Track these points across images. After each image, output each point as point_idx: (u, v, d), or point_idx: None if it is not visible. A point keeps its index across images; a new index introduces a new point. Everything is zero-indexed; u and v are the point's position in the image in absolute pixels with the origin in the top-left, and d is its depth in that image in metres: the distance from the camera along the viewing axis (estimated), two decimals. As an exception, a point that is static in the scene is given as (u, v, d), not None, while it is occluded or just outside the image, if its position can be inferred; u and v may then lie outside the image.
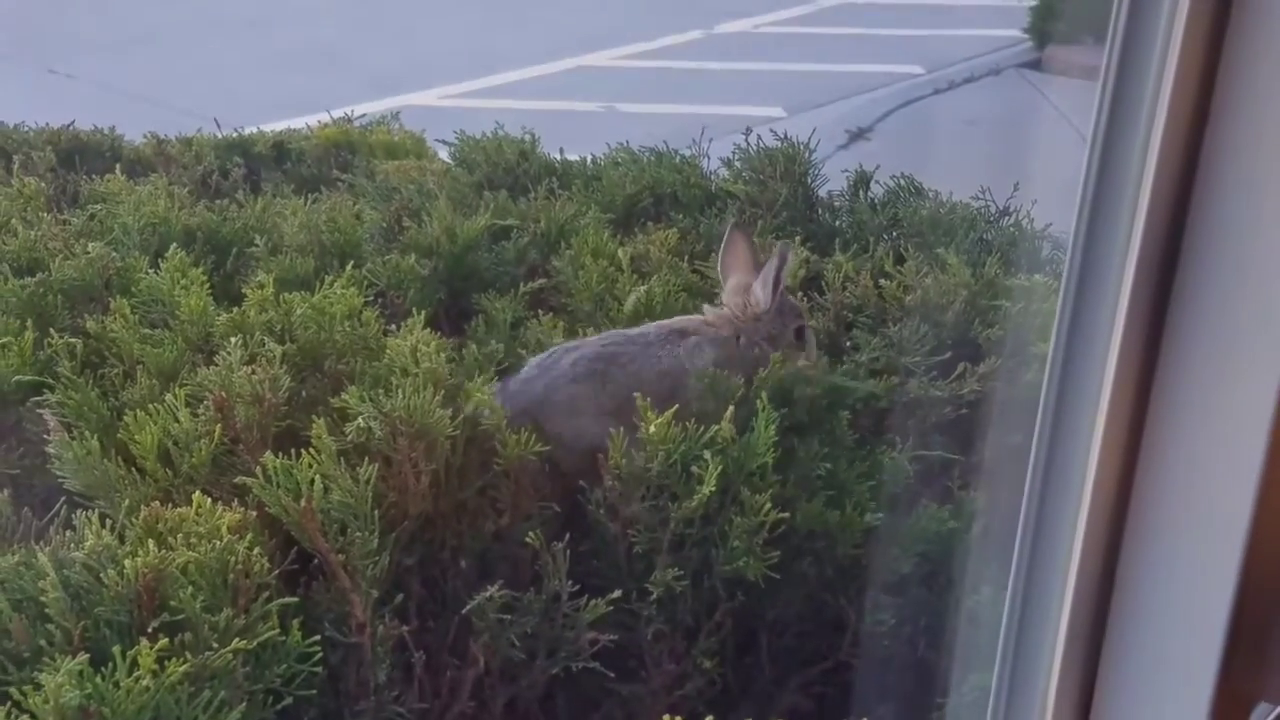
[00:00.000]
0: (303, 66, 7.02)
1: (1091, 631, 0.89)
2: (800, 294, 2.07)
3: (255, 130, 2.77)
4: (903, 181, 2.48)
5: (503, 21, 8.05)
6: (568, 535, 1.53)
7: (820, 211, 2.39)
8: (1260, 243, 0.78)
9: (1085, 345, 0.85)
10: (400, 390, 1.44)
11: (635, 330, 1.79)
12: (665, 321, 1.82)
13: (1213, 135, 0.80)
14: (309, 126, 2.73)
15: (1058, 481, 0.89)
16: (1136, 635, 0.89)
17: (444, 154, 2.65)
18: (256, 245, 1.84)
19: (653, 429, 1.53)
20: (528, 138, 2.56)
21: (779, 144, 2.45)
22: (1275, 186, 0.77)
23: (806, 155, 2.44)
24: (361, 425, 1.36)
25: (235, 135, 2.61)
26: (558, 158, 2.56)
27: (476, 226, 1.94)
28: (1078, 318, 0.85)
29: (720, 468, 1.52)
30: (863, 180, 2.48)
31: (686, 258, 2.10)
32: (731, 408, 1.60)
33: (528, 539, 1.47)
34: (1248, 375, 0.80)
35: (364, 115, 2.88)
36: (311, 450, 1.32)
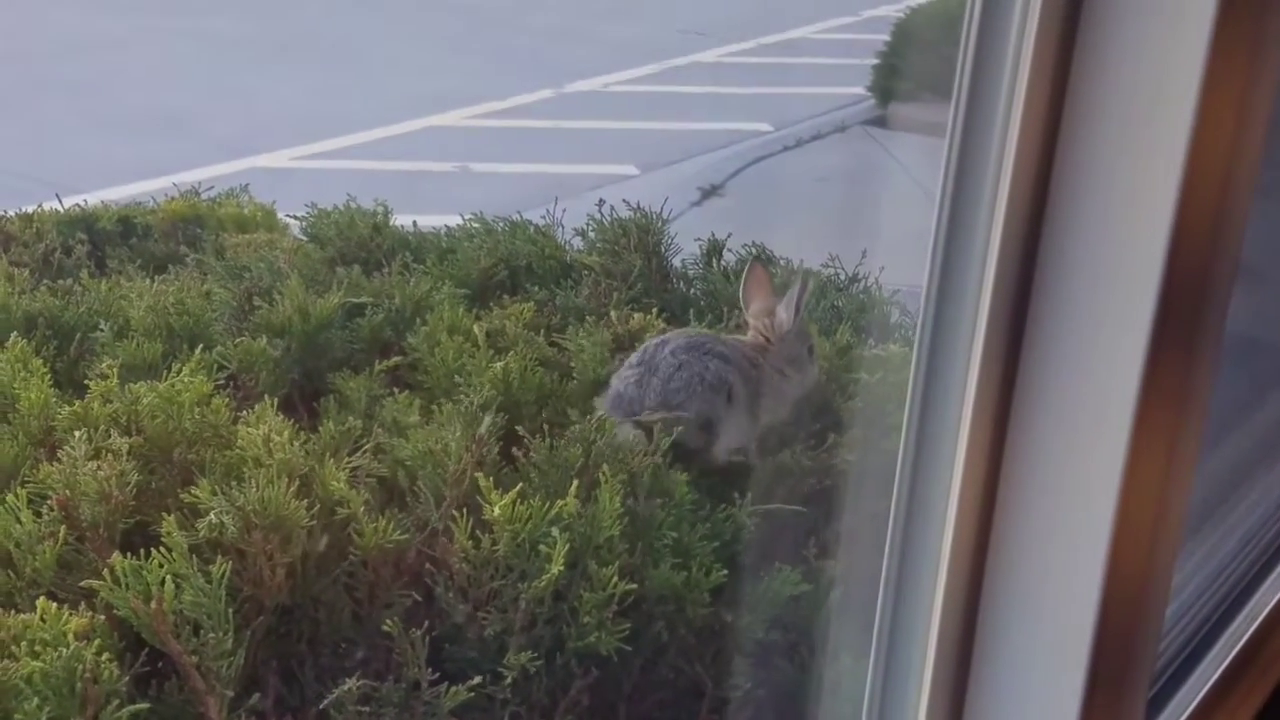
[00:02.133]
0: (145, 130, 6.86)
1: (954, 689, 0.90)
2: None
3: (100, 203, 2.71)
4: (754, 249, 2.52)
5: (351, 82, 8.00)
6: (426, 623, 1.53)
7: (675, 281, 2.42)
8: (1107, 292, 0.79)
9: (940, 397, 0.86)
10: (254, 481, 1.42)
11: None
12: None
13: (1057, 188, 0.81)
14: (155, 200, 2.68)
15: (917, 540, 0.89)
16: (997, 694, 0.90)
17: (297, 226, 2.62)
18: (101, 330, 1.79)
19: (497, 510, 1.54)
20: (380, 209, 2.54)
21: (632, 213, 2.48)
22: (1120, 237, 0.79)
23: (660, 225, 2.47)
24: (213, 521, 1.33)
25: (79, 210, 2.54)
26: (412, 230, 2.55)
27: (329, 305, 1.93)
28: (932, 374, 0.86)
29: (567, 544, 1.53)
30: (715, 249, 2.52)
31: (543, 331, 2.11)
32: (576, 482, 1.62)
33: (385, 626, 1.45)
34: (1098, 434, 0.82)
35: (211, 185, 2.83)
36: (162, 549, 1.29)
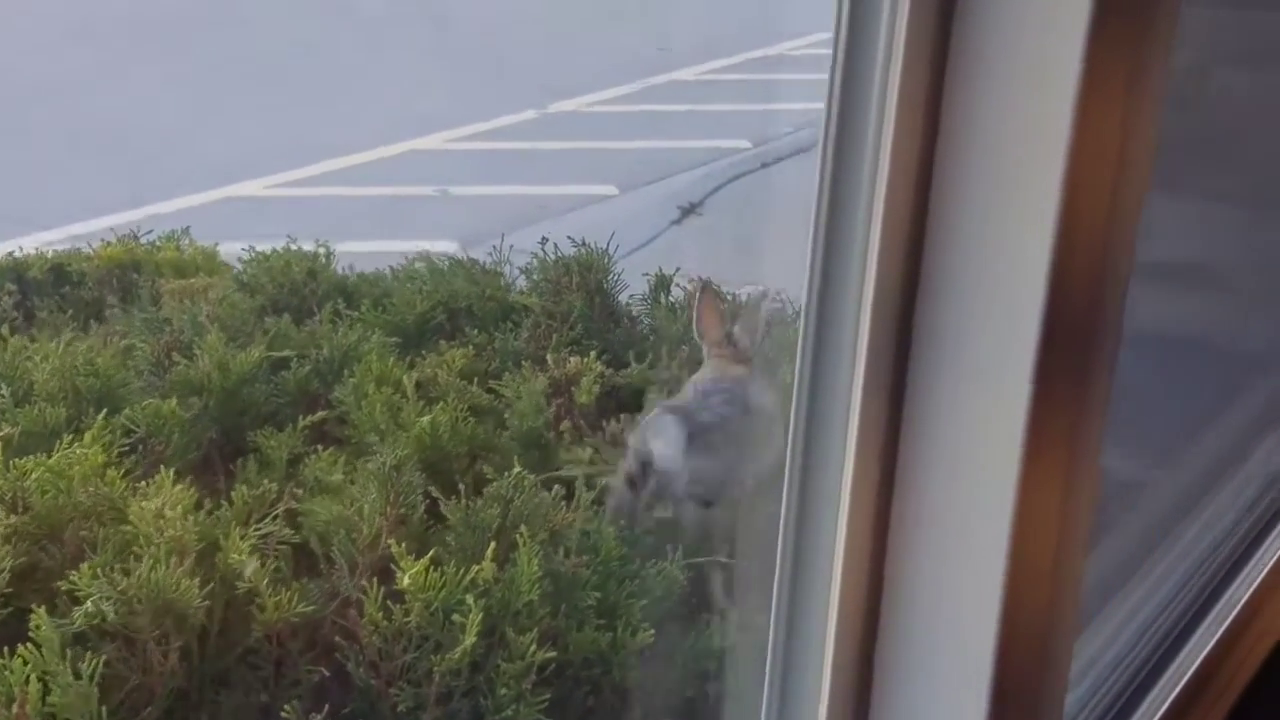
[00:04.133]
0: (118, 162, 6.82)
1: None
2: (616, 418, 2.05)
3: (35, 250, 2.64)
4: (701, 281, 2.46)
5: (330, 106, 7.95)
6: (335, 700, 1.46)
7: (619, 320, 2.36)
8: (989, 298, 0.77)
9: (824, 434, 0.83)
10: (145, 560, 1.35)
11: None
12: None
13: (934, 224, 0.79)
14: (90, 246, 2.61)
15: (804, 590, 0.88)
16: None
17: (241, 267, 2.55)
18: (2, 395, 1.72)
19: (407, 580, 1.47)
20: (321, 251, 2.48)
21: (576, 250, 2.41)
22: (999, 269, 0.77)
23: (606, 260, 2.41)
24: (90, 610, 1.26)
25: (9, 259, 2.48)
26: (351, 273, 2.49)
27: (250, 359, 1.86)
28: (814, 415, 0.83)
29: (482, 612, 1.46)
30: (663, 284, 2.45)
31: (477, 379, 2.05)
32: (493, 544, 1.55)
33: (284, 712, 1.38)
34: (988, 464, 0.79)
35: (161, 229, 2.76)
36: (29, 645, 1.22)
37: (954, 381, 0.80)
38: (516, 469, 1.60)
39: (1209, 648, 1.55)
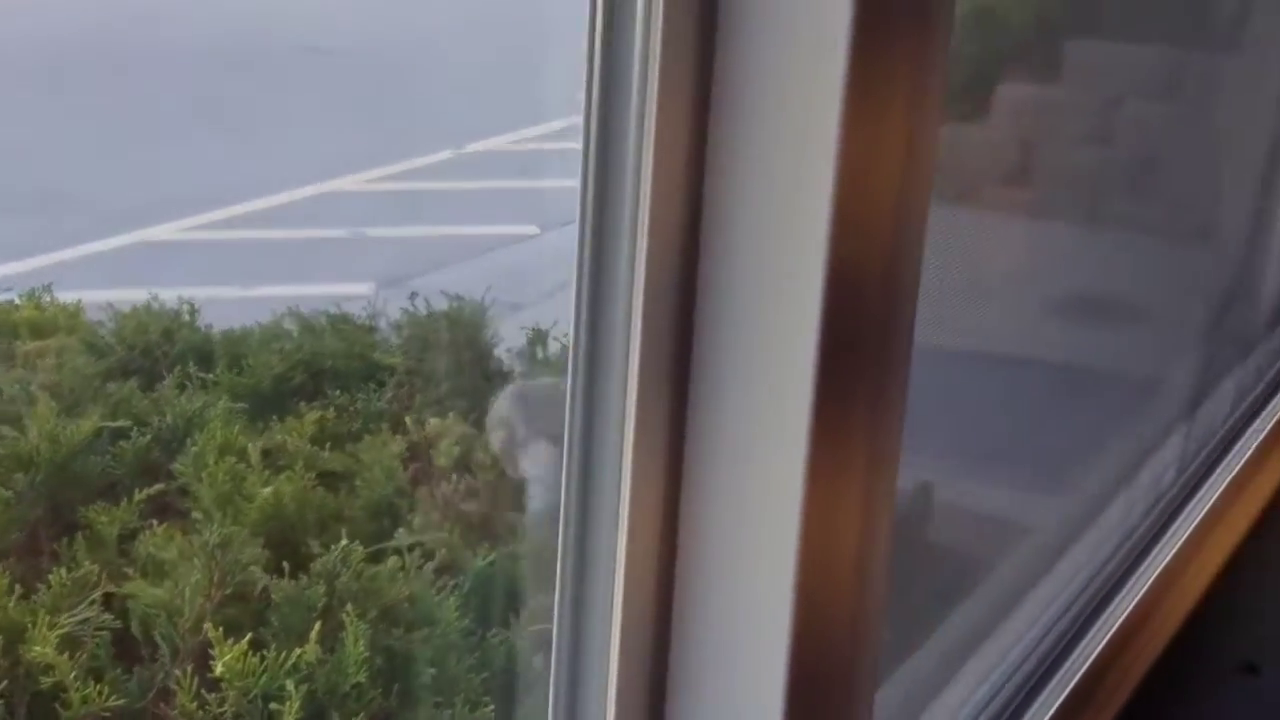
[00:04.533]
0: (18, 207, 6.69)
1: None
2: (454, 477, 1.98)
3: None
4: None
5: (244, 148, 7.86)
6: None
7: (494, 378, 2.29)
8: (767, 305, 0.77)
9: (599, 468, 0.82)
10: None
11: None
12: None
13: (710, 210, 0.78)
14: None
15: (588, 596, 0.85)
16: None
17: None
18: None
19: (221, 666, 1.40)
20: (186, 308, 2.40)
21: (450, 303, 2.35)
22: (774, 258, 0.76)
23: (483, 314, 2.35)
24: None
25: None
26: (219, 331, 2.41)
27: (83, 430, 1.78)
28: (591, 410, 0.81)
29: (304, 698, 1.38)
30: (539, 338, 2.39)
31: (330, 443, 1.97)
32: (319, 624, 1.48)
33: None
34: (773, 456, 0.78)
35: (64, 278, 2.66)
36: None
37: (736, 388, 0.79)
38: (343, 543, 1.53)
39: (1095, 655, 1.55)
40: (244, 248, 6.58)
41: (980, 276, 1.96)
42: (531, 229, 6.91)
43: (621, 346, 0.80)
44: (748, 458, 0.80)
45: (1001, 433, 2.05)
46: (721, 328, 0.80)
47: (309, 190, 7.38)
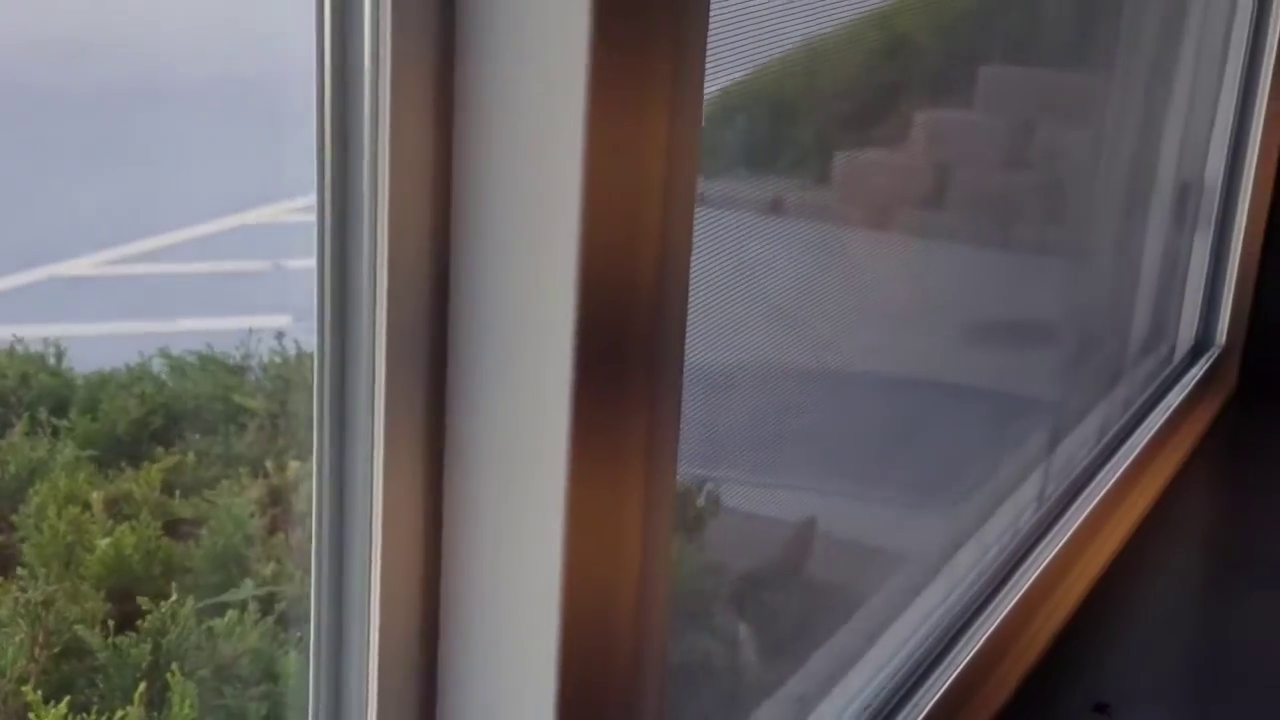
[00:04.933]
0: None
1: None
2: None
3: None
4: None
5: (160, 181, 7.75)
6: None
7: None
8: (521, 312, 0.76)
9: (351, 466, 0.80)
10: None
11: None
12: None
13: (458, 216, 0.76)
14: None
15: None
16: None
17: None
18: None
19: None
20: (52, 351, 2.35)
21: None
22: (526, 267, 0.75)
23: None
24: None
25: None
26: (82, 375, 2.35)
27: (-89, 484, 1.73)
28: (340, 431, 0.79)
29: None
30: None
31: (181, 491, 1.93)
32: (143, 685, 1.44)
33: None
34: (534, 462, 0.77)
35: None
36: None
37: (494, 402, 0.78)
38: (172, 598, 1.49)
39: (943, 694, 1.56)
40: (162, 281, 6.50)
41: (879, 300, 1.95)
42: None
43: (368, 374, 0.78)
44: (508, 472, 0.79)
45: (870, 460, 2.04)
46: (476, 349, 0.78)
47: (226, 222, 7.33)
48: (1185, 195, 2.52)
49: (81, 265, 6.56)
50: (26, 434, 1.96)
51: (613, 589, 0.85)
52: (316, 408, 0.81)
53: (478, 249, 0.79)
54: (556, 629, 0.81)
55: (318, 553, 0.83)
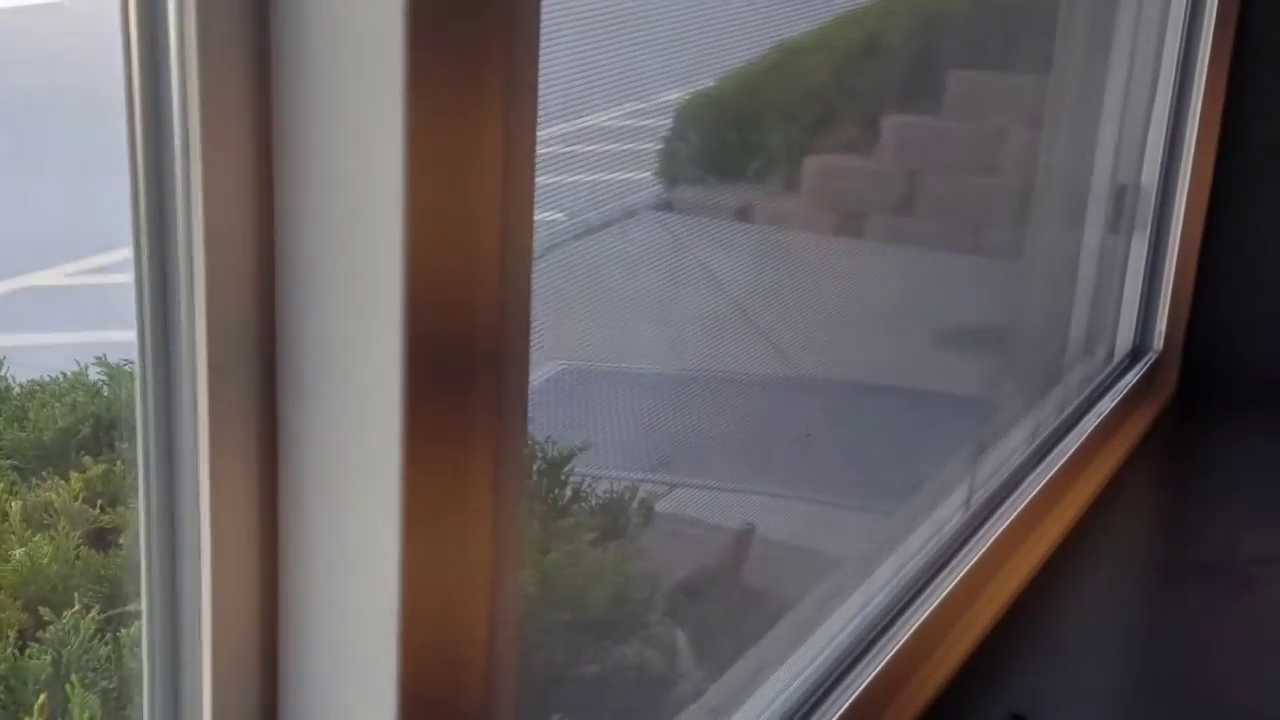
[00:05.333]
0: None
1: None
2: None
3: None
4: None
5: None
6: None
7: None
8: (346, 317, 0.75)
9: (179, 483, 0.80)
10: None
11: None
12: None
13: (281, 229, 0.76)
14: None
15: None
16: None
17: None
18: None
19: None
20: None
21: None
22: (350, 277, 0.75)
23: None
24: None
25: None
26: (20, 385, 2.35)
27: None
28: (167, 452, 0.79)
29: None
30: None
31: (104, 501, 1.93)
32: (43, 696, 1.44)
33: None
34: (368, 473, 0.77)
35: None
36: None
37: (325, 419, 0.77)
38: (75, 607, 1.49)
39: (857, 701, 1.57)
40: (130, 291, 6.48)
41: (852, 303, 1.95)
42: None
43: (190, 391, 0.78)
44: (343, 486, 0.79)
45: (799, 461, 2.04)
46: (305, 365, 0.78)
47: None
48: (1122, 198, 2.53)
49: (53, 275, 6.56)
50: (-51, 445, 1.96)
51: (458, 599, 0.85)
52: (140, 431, 0.81)
53: (302, 262, 0.79)
54: (395, 642, 0.81)
55: (148, 578, 0.83)
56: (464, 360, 0.82)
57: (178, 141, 0.75)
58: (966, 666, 1.79)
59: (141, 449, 0.79)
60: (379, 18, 0.72)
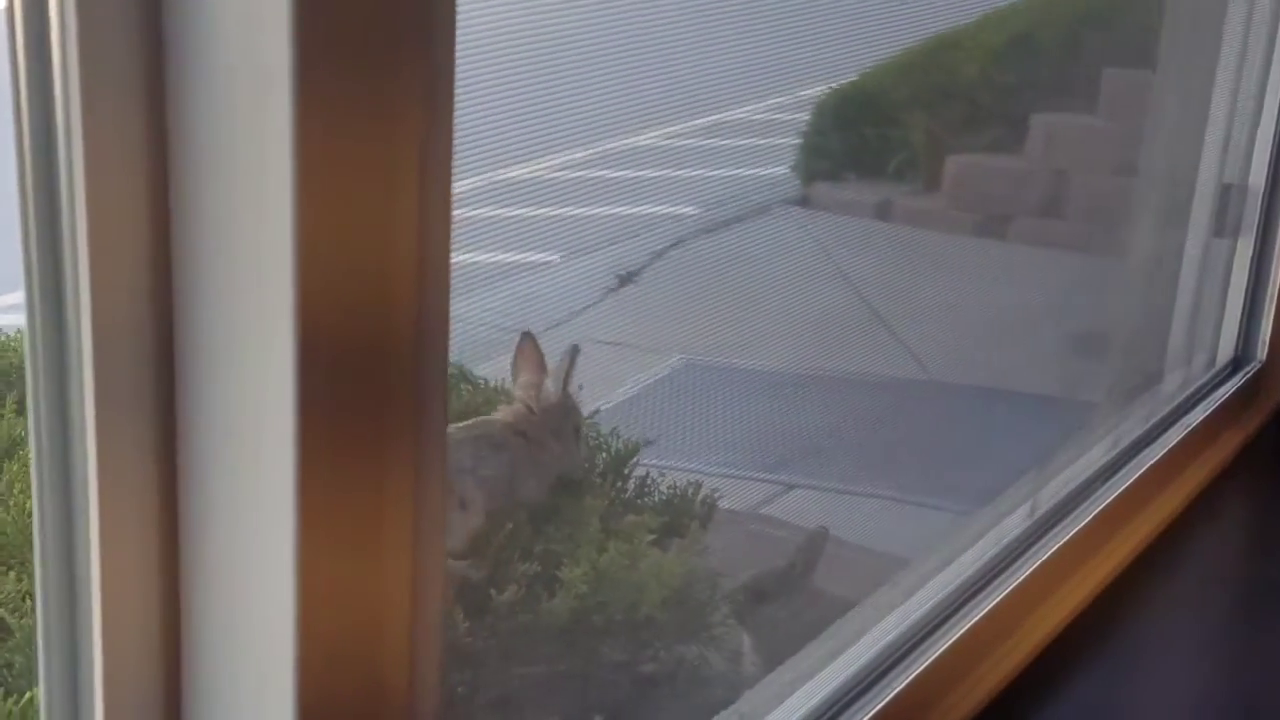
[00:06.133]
0: None
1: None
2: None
3: None
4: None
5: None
6: None
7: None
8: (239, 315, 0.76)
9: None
10: None
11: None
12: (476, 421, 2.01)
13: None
14: None
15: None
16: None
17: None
18: None
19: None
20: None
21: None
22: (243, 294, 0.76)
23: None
24: None
25: None
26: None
27: None
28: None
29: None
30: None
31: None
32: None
33: None
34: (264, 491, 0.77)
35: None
36: None
37: (221, 423, 0.79)
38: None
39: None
40: None
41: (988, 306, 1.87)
42: (552, 256, 6.88)
43: (77, 385, 0.75)
44: (239, 494, 0.81)
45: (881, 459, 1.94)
46: (201, 367, 0.80)
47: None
48: (1227, 198, 2.35)
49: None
50: None
51: (366, 614, 0.80)
52: (32, 429, 0.78)
53: (196, 264, 0.76)
54: (292, 656, 0.76)
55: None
56: (370, 369, 0.81)
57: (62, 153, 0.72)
58: (1023, 675, 1.67)
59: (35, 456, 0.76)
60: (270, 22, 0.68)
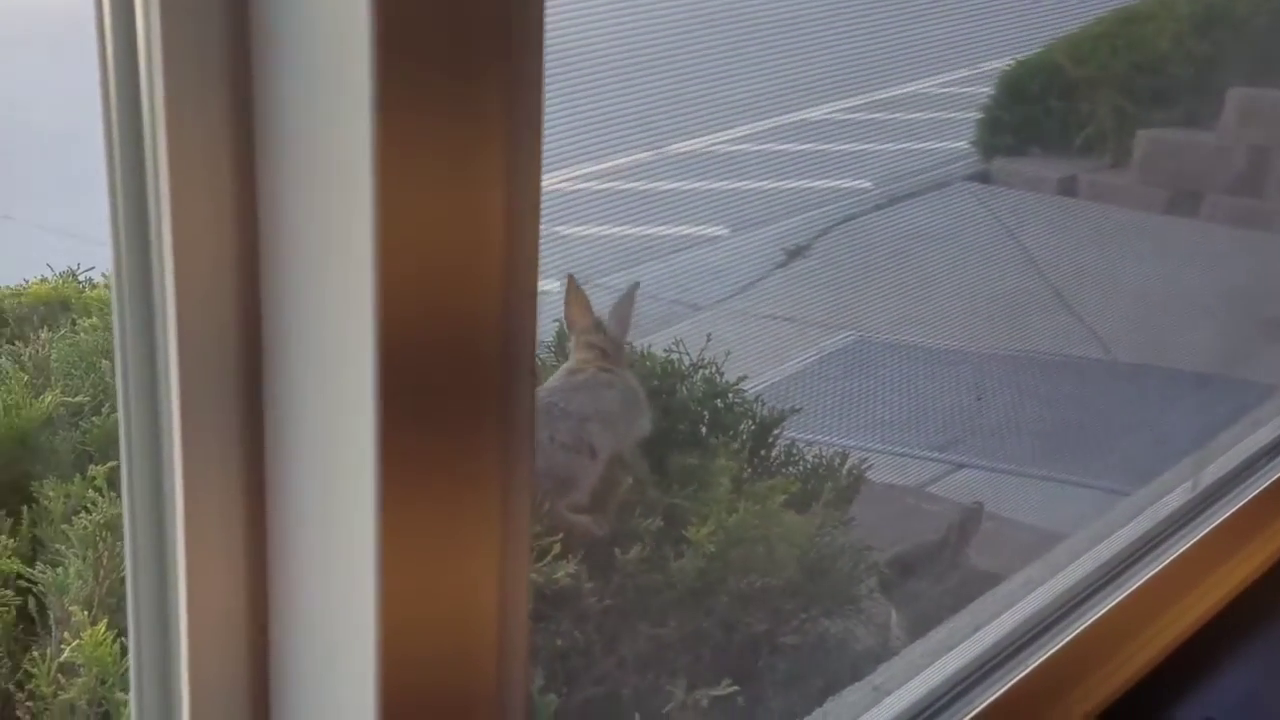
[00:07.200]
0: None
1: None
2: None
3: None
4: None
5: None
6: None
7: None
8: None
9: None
10: None
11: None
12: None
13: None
14: (25, 280, 2.59)
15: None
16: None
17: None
18: None
19: (73, 647, 1.34)
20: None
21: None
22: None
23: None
24: None
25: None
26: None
27: (43, 405, 1.77)
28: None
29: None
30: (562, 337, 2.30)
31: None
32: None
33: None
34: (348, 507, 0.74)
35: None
36: None
37: (308, 438, 0.75)
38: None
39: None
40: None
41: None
42: (721, 230, 6.81)
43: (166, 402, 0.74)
44: (325, 508, 0.76)
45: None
46: (288, 387, 0.75)
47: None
48: None
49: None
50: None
51: (452, 616, 0.78)
52: (124, 441, 0.77)
53: (281, 269, 0.74)
54: (374, 664, 0.75)
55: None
56: (455, 367, 0.75)
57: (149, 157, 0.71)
58: (1170, 658, 1.58)
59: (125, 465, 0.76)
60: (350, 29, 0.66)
